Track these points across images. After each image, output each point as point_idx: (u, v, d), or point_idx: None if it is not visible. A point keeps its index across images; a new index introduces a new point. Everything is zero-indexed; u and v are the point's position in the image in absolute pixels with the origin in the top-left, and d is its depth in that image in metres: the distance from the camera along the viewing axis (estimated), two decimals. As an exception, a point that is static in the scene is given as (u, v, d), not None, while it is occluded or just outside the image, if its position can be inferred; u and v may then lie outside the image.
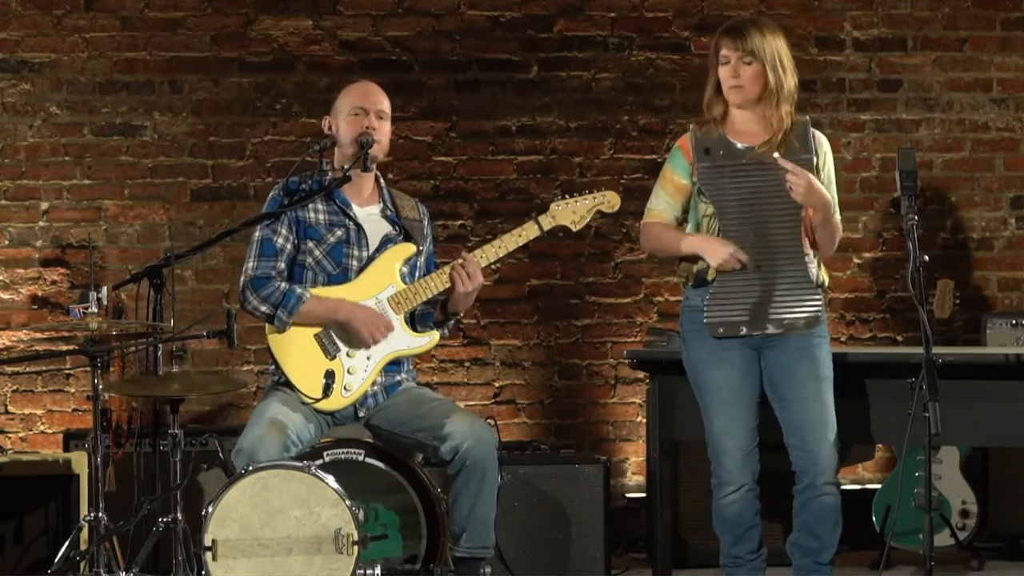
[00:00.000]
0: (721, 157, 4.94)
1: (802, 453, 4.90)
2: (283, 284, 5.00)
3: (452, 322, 5.18)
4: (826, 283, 4.99)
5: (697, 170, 4.96)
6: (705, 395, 4.99)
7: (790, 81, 4.92)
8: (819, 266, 4.96)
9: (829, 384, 4.92)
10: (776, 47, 4.90)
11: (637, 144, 7.07)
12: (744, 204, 4.91)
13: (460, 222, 6.98)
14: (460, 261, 5.03)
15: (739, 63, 4.88)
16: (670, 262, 7.00)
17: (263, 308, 4.98)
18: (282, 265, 5.04)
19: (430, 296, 5.06)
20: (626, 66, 7.08)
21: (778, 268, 4.90)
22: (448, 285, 5.05)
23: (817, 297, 4.92)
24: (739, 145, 4.94)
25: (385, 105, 5.12)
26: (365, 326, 4.97)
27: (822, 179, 4.91)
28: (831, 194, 4.94)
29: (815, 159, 4.92)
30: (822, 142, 4.99)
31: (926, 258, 4.57)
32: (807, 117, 5.01)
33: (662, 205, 5.06)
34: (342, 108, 5.11)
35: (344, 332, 4.99)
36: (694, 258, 4.98)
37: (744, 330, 4.90)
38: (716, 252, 4.88)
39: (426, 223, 5.24)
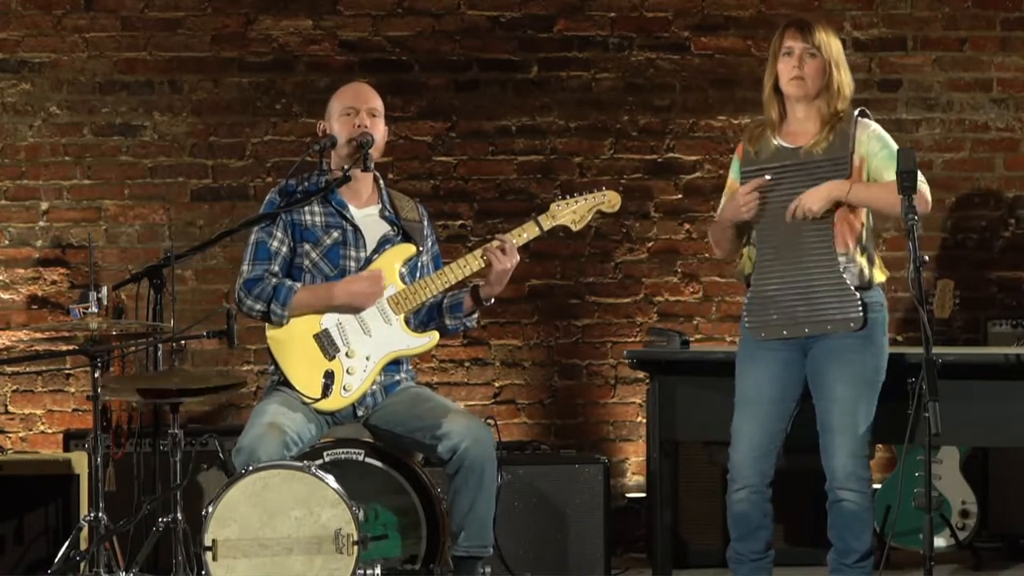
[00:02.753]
0: (766, 159, 4.95)
1: (822, 454, 4.90)
2: (273, 280, 5.01)
3: (476, 314, 5.17)
4: (874, 281, 4.89)
5: (742, 173, 4.99)
6: (736, 391, 4.99)
7: (848, 81, 4.94)
8: (868, 265, 4.89)
9: (868, 388, 4.85)
10: (838, 46, 4.94)
11: (637, 144, 7.07)
12: (780, 206, 4.90)
13: (460, 222, 6.98)
14: (495, 243, 5.02)
15: (804, 55, 4.88)
16: (669, 262, 7.06)
17: (257, 306, 4.99)
18: (276, 268, 5.04)
19: (430, 296, 5.07)
20: (626, 66, 7.07)
21: (811, 271, 4.88)
22: (445, 288, 5.06)
23: (854, 299, 4.83)
24: (785, 146, 4.93)
25: (376, 103, 5.12)
26: (365, 297, 4.99)
27: (863, 170, 4.85)
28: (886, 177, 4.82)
29: (851, 157, 4.86)
30: (865, 132, 4.89)
31: (926, 258, 4.56)
32: (856, 109, 4.94)
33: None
34: (334, 111, 5.12)
35: (348, 310, 4.99)
36: (741, 256, 5.02)
37: (785, 332, 4.90)
38: (737, 208, 4.92)
39: (426, 223, 5.24)
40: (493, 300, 5.15)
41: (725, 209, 5.00)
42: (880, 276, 4.93)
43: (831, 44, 4.91)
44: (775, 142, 4.95)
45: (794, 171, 4.90)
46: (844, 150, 4.87)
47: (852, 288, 4.84)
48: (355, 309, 5.01)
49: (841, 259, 4.86)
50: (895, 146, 4.86)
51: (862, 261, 4.89)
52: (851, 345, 4.85)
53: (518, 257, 5.05)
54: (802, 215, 4.82)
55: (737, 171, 5.03)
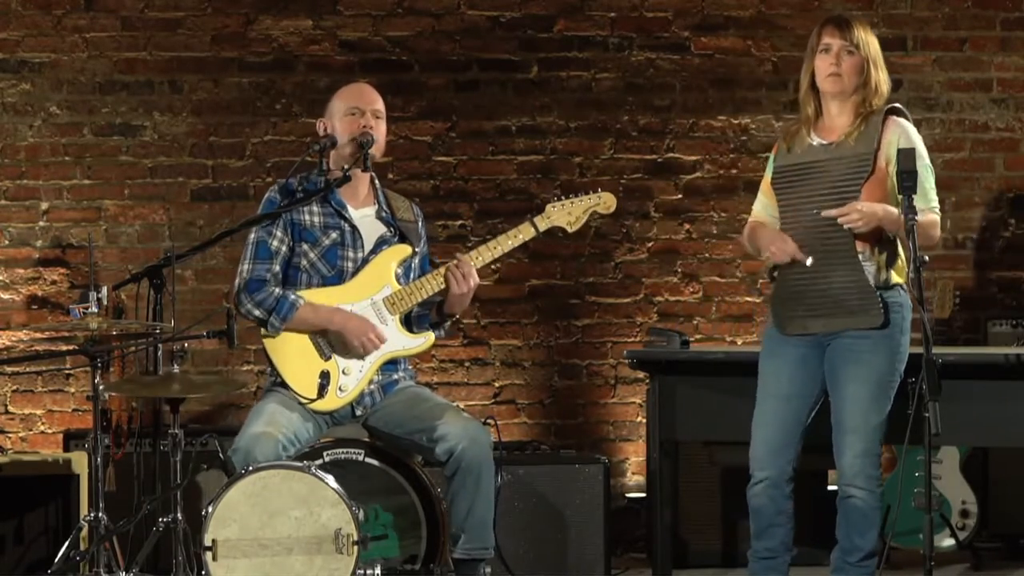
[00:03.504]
0: (798, 155, 4.95)
1: (834, 451, 4.90)
2: (277, 290, 5.00)
3: (448, 324, 5.18)
4: (891, 282, 4.86)
5: (775, 169, 4.99)
6: (758, 384, 5.00)
7: (885, 79, 4.92)
8: (887, 265, 4.87)
9: (880, 389, 4.84)
10: (876, 44, 4.92)
11: (637, 144, 7.07)
12: (805, 202, 4.90)
13: (460, 222, 6.98)
14: (454, 262, 5.02)
15: (841, 52, 4.87)
16: (669, 262, 7.06)
17: (256, 312, 4.99)
18: (277, 268, 5.04)
19: (426, 297, 5.06)
20: (626, 66, 7.07)
21: (832, 269, 4.87)
22: (444, 286, 5.05)
23: (874, 297, 4.82)
24: (819, 142, 4.92)
25: (380, 105, 5.12)
26: (357, 336, 4.97)
27: (889, 171, 4.83)
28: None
29: (875, 155, 4.83)
30: (895, 135, 4.85)
31: (926, 258, 4.55)
32: (887, 106, 4.91)
33: (758, 205, 5.10)
34: (337, 110, 5.11)
35: (337, 340, 4.99)
36: None
37: (804, 327, 4.90)
38: (769, 247, 4.92)
39: (420, 223, 5.24)
40: (458, 316, 5.15)
41: (760, 238, 4.98)
42: (897, 277, 4.89)
43: (869, 42, 4.90)
44: (809, 139, 4.95)
45: (823, 168, 4.89)
46: (869, 147, 4.84)
47: (872, 286, 4.84)
48: (344, 342, 4.98)
49: (859, 256, 4.85)
50: (926, 158, 4.81)
51: (880, 260, 4.86)
52: (867, 345, 4.84)
53: (477, 280, 5.04)
54: (843, 223, 4.79)
55: (771, 168, 5.03)
